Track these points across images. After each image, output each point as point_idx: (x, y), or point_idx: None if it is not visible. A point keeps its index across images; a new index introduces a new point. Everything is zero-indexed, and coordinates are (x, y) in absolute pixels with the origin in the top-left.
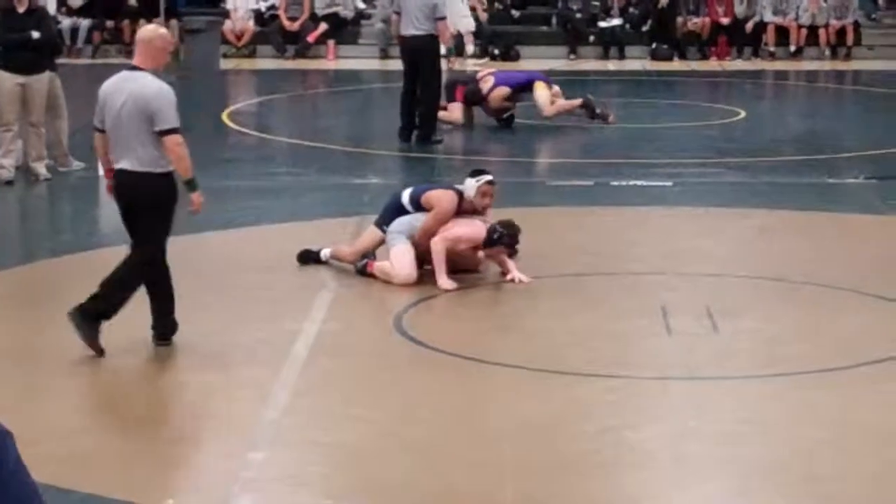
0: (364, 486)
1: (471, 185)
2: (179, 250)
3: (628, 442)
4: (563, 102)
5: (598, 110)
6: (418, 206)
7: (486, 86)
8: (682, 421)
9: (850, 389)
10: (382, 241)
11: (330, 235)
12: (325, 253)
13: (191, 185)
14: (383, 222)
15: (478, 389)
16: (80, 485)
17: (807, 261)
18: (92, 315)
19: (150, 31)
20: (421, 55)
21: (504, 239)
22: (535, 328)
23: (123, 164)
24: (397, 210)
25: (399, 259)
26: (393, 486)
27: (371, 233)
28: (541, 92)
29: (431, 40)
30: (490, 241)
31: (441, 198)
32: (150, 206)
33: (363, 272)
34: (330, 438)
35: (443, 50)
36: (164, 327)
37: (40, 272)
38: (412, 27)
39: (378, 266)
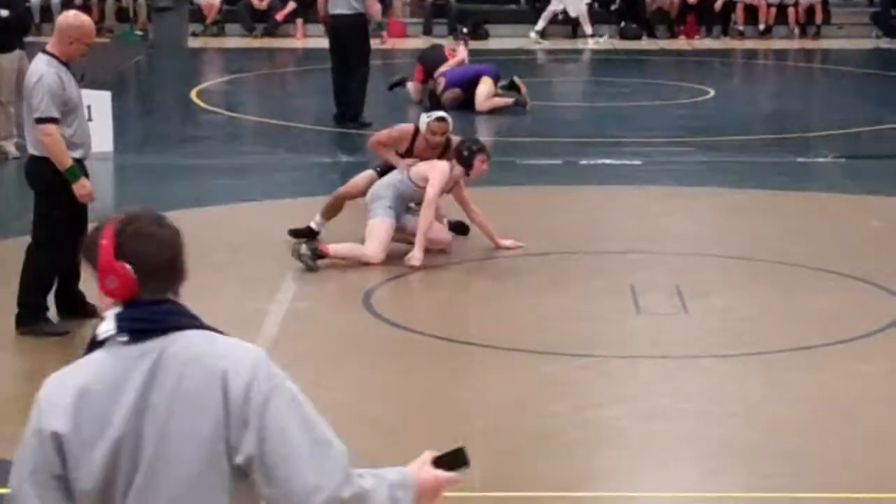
0: None
1: (423, 122)
2: None
3: (598, 421)
4: (498, 100)
5: (526, 103)
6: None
7: (438, 87)
8: (652, 400)
9: (820, 368)
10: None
11: (300, 214)
12: (315, 221)
13: (68, 174)
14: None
15: (447, 369)
16: None
17: (776, 240)
18: (30, 318)
19: (68, 18)
20: (349, 34)
21: (477, 146)
22: (504, 307)
23: (27, 146)
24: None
25: (377, 233)
26: (361, 465)
27: (366, 173)
28: (482, 87)
29: (360, 19)
30: (469, 159)
31: (396, 125)
32: (36, 189)
33: (314, 253)
34: None
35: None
36: (17, 312)
37: (9, 250)
38: (339, 6)
39: (338, 249)
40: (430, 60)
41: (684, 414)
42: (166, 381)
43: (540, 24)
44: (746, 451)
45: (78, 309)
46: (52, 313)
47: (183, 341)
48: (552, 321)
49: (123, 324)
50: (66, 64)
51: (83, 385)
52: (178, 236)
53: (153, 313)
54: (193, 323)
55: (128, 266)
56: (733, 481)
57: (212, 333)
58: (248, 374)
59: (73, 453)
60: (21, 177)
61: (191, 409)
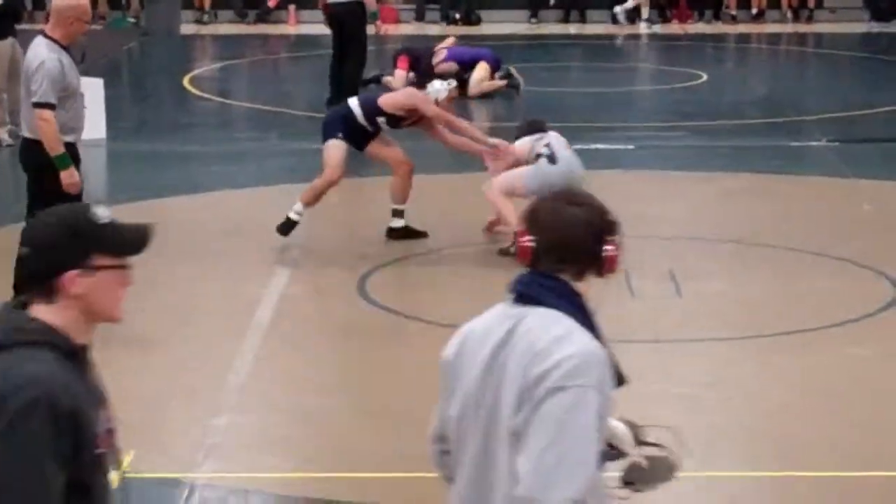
0: (327, 450)
1: (442, 89)
2: (142, 215)
3: None
4: (487, 84)
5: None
6: (372, 112)
7: (437, 59)
8: (646, 385)
9: (813, 352)
10: (346, 150)
11: (293, 201)
12: (295, 210)
13: (58, 161)
14: (333, 134)
15: (441, 354)
16: None
17: (770, 224)
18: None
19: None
20: (346, 22)
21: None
22: (498, 293)
23: (22, 129)
24: (344, 120)
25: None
26: (355, 450)
27: (334, 147)
28: (477, 72)
29: (357, 7)
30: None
31: (412, 93)
32: (30, 172)
33: None
34: (293, 403)
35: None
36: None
37: (5, 238)
38: None
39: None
40: (418, 50)
41: (678, 398)
42: (511, 345)
43: (631, 4)
44: (740, 436)
45: None
46: None
47: (536, 316)
48: None
49: (513, 286)
50: (66, 48)
51: (473, 327)
52: (586, 218)
53: (534, 283)
54: (559, 303)
55: (528, 238)
56: (727, 466)
57: (563, 319)
58: (550, 364)
59: (448, 382)
60: (15, 163)
61: (510, 374)
